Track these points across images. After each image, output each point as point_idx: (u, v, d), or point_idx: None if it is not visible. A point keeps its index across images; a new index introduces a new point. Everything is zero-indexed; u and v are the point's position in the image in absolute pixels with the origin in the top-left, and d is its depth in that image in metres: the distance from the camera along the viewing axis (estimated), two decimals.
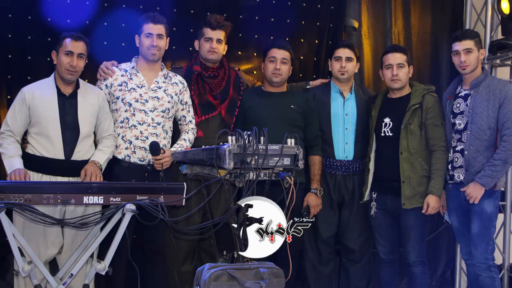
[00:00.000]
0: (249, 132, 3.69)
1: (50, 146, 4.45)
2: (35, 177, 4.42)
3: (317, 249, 5.31)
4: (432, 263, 5.98)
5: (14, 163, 4.34)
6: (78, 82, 4.62)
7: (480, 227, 4.76)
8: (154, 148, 4.49)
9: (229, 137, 3.68)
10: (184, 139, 4.89)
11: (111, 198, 3.78)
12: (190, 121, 5.00)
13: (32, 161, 4.45)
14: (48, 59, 4.72)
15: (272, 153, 3.78)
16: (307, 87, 5.48)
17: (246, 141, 3.66)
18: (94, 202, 3.77)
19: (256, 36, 5.94)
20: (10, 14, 5.23)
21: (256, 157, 3.70)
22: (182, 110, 4.97)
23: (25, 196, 3.66)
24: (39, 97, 4.47)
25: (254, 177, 3.71)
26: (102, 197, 3.78)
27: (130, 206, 3.71)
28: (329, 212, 5.23)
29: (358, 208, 5.24)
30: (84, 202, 3.76)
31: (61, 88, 4.54)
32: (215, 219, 3.90)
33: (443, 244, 6.37)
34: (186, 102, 4.99)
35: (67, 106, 4.54)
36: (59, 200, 3.71)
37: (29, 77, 5.11)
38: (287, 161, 3.88)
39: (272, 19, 6.01)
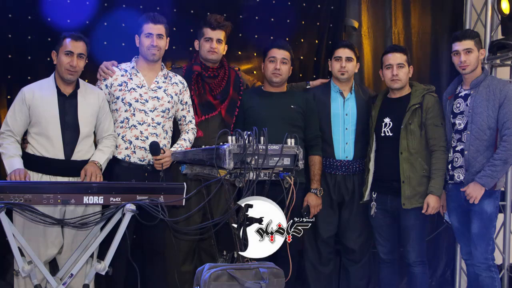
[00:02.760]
0: (249, 132, 3.70)
1: (50, 146, 4.45)
2: (35, 177, 4.42)
3: (317, 249, 5.31)
4: (432, 263, 6.00)
5: (14, 163, 4.34)
6: (78, 82, 4.62)
7: (480, 227, 4.76)
8: (154, 148, 4.49)
9: (229, 137, 3.68)
10: (184, 139, 4.89)
11: (111, 198, 3.78)
12: (190, 121, 5.00)
13: (32, 161, 4.45)
14: (48, 59, 4.71)
15: (272, 153, 3.78)
16: (307, 87, 5.48)
17: (246, 141, 3.66)
18: (94, 202, 3.77)
19: (256, 36, 5.94)
20: (10, 14, 5.24)
21: (256, 157, 3.70)
22: (182, 110, 4.98)
23: (25, 196, 3.66)
24: (39, 97, 4.47)
25: (254, 177, 3.71)
26: (102, 197, 3.77)
27: (130, 206, 3.71)
28: (329, 212, 5.23)
29: (358, 208, 5.24)
30: (84, 202, 3.76)
31: (61, 88, 4.54)
32: (215, 219, 3.90)
33: (443, 244, 6.37)
34: (186, 102, 4.99)
35: (67, 106, 4.53)
36: (59, 200, 3.71)
37: (29, 77, 5.11)
38: (287, 161, 3.88)
39: (272, 19, 6.01)
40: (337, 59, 5.22)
